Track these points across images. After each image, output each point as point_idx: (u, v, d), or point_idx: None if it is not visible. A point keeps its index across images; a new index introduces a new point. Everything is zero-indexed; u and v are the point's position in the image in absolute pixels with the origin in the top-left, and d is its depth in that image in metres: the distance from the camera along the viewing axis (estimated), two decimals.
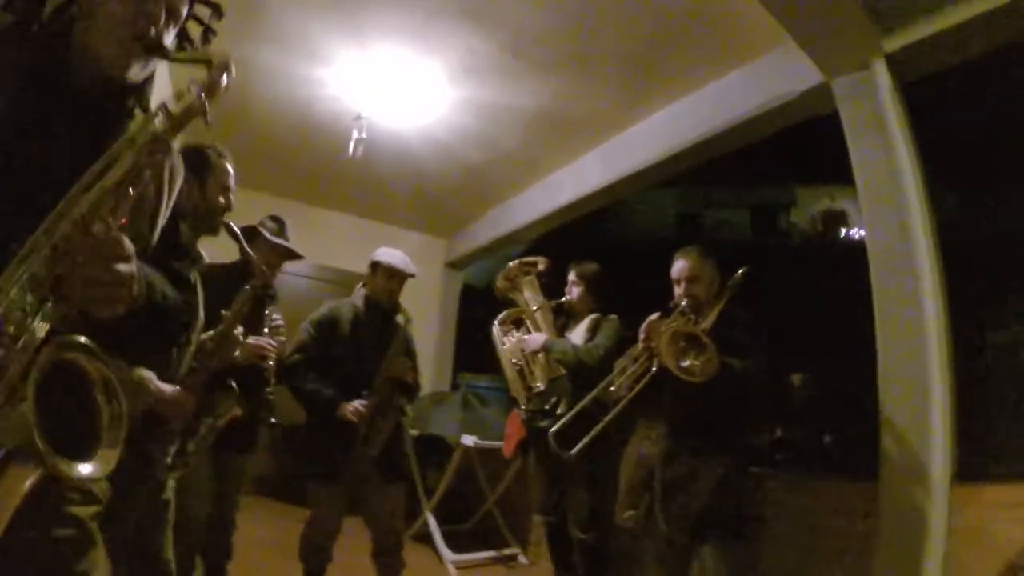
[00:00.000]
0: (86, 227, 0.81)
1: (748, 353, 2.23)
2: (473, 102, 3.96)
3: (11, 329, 0.75)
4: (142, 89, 1.09)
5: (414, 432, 4.87)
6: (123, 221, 0.87)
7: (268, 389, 2.63)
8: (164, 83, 3.11)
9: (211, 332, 2.00)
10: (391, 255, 2.99)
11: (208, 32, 1.13)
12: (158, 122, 0.89)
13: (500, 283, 3.55)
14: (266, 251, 2.72)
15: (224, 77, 0.94)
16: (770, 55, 3.15)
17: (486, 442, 4.31)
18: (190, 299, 1.20)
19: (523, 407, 3.25)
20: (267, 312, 2.61)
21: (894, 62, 2.59)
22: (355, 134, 3.86)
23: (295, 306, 5.61)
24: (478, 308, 6.85)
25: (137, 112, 1.08)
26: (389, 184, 5.15)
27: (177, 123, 0.90)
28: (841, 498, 2.67)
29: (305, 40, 3.50)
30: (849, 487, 2.70)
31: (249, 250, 2.26)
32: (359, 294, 3.04)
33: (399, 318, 3.02)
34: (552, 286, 3.50)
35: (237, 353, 2.25)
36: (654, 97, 3.74)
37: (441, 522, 4.38)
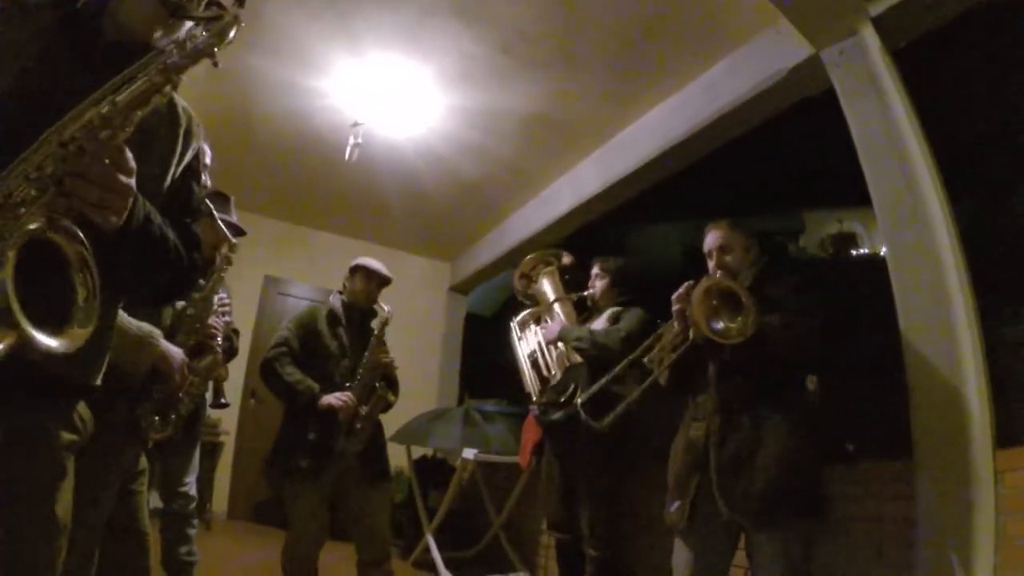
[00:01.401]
0: (94, 132, 0.85)
1: (790, 310, 2.08)
2: (466, 109, 3.99)
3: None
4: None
5: (416, 451, 4.72)
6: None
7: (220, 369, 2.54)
8: None
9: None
10: (369, 260, 3.05)
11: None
12: (171, 56, 0.95)
13: (517, 280, 3.42)
14: (210, 228, 2.68)
15: (234, 29, 1.01)
16: (757, 38, 3.16)
17: (488, 456, 4.14)
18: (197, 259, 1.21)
19: (535, 401, 3.08)
20: None
21: (881, 24, 2.56)
22: (351, 139, 3.88)
23: None
24: (480, 336, 6.78)
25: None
26: (388, 202, 5.16)
27: (188, 60, 0.96)
28: (865, 482, 2.49)
29: (301, 48, 3.57)
30: (873, 470, 2.50)
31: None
32: (336, 298, 3.02)
33: (375, 322, 2.98)
34: (574, 285, 3.39)
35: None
36: (646, 94, 3.74)
37: (444, 548, 4.17)
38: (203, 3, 1.07)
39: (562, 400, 2.97)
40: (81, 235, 0.83)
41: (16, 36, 1.01)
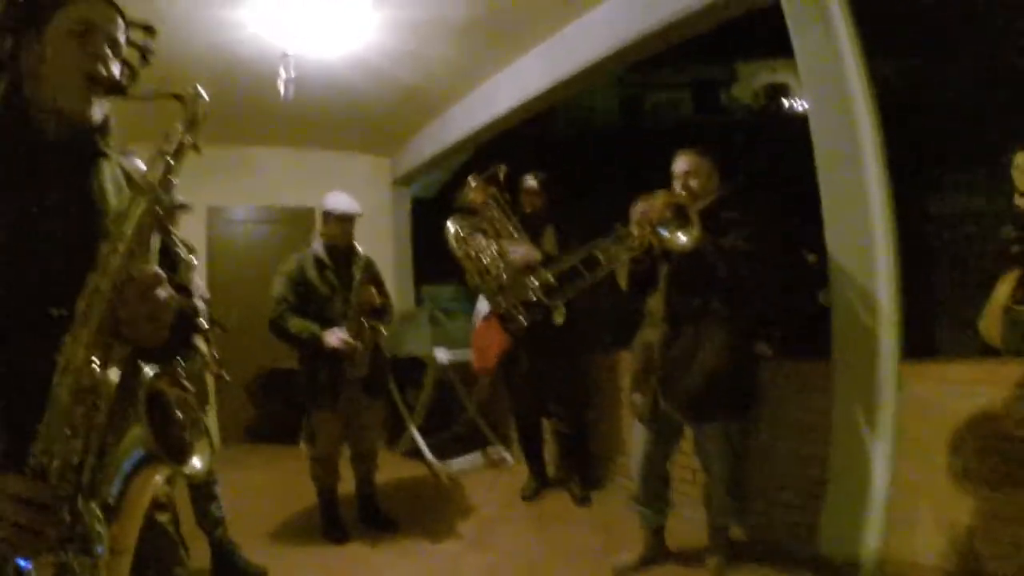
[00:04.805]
0: (129, 278, 0.90)
1: (740, 231, 2.35)
2: (400, 21, 3.73)
3: (85, 383, 0.87)
4: (105, 126, 1.10)
5: (389, 355, 5.02)
6: None
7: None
8: None
9: None
10: (338, 200, 3.26)
11: (145, 54, 1.14)
12: (157, 168, 0.98)
13: (463, 203, 3.57)
14: None
15: (201, 107, 1.04)
16: None
17: (457, 353, 4.51)
18: None
19: (520, 316, 3.22)
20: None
21: None
22: (283, 74, 3.66)
23: (247, 252, 5.54)
24: (428, 219, 6.82)
25: (117, 159, 1.12)
26: (325, 112, 4.94)
27: (175, 163, 1.00)
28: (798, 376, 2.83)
29: None
30: (802, 366, 2.89)
31: None
32: (318, 243, 3.26)
33: (356, 269, 3.25)
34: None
35: None
36: None
37: (423, 434, 4.63)
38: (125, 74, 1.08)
39: (538, 319, 3.22)
40: (176, 376, 0.97)
41: None
